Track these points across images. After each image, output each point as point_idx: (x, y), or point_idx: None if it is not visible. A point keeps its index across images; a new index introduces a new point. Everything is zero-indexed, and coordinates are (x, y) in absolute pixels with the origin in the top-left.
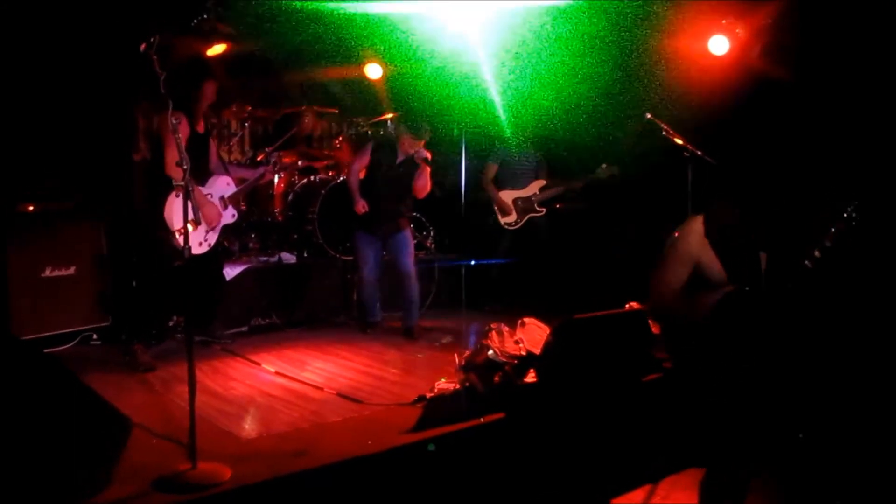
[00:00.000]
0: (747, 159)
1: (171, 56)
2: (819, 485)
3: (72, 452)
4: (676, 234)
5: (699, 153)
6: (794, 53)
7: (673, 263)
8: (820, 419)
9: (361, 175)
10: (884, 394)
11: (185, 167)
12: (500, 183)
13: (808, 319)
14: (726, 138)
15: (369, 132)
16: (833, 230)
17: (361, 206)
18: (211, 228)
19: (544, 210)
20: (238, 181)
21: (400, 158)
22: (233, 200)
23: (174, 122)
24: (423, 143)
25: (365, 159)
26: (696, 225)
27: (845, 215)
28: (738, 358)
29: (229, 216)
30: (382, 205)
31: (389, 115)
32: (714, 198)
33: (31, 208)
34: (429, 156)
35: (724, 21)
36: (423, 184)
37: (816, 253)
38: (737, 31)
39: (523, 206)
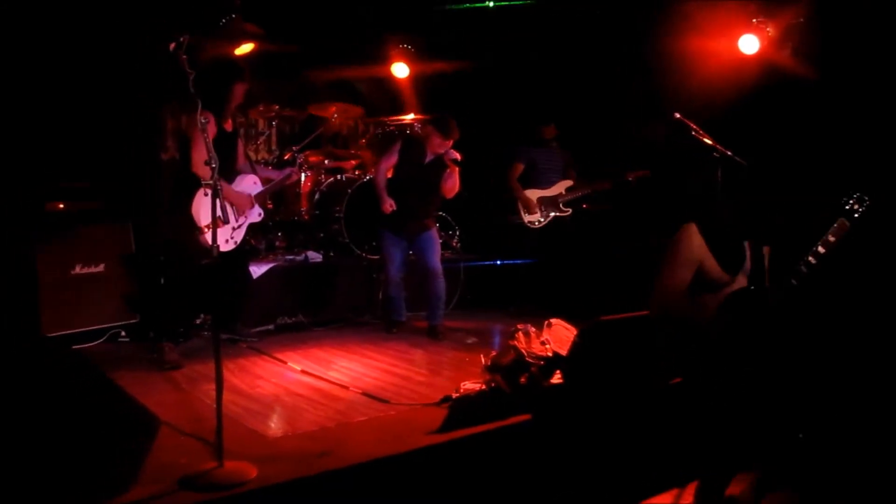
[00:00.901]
0: (757, 157)
1: (200, 55)
2: (821, 485)
3: (99, 449)
4: (677, 237)
5: (729, 154)
6: (818, 52)
7: (676, 266)
8: (823, 419)
9: (389, 174)
10: (887, 393)
11: (213, 166)
12: (527, 182)
13: (812, 317)
14: (739, 136)
15: (396, 132)
16: (836, 225)
17: (388, 206)
18: (238, 226)
19: (570, 210)
20: (264, 181)
21: (428, 158)
22: (259, 199)
23: (203, 121)
24: (451, 142)
25: (392, 159)
26: (696, 227)
27: (847, 208)
28: (742, 359)
29: (255, 215)
30: (409, 204)
31: (412, 116)
32: (716, 197)
33: (60, 207)
34: (458, 157)
35: (754, 20)
36: (453, 184)
37: (820, 248)
38: (767, 30)
39: (548, 205)
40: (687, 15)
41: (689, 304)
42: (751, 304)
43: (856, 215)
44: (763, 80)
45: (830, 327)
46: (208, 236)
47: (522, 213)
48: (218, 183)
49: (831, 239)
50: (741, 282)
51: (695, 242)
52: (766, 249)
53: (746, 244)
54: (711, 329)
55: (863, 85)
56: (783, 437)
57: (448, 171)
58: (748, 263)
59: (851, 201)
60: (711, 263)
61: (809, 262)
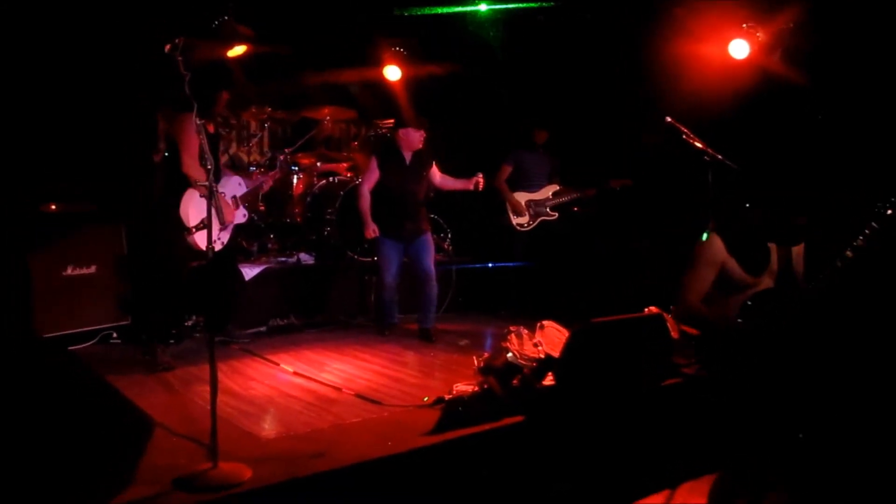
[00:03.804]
0: (770, 161)
1: (194, 57)
2: (826, 486)
3: (94, 451)
4: (700, 241)
5: (720, 157)
6: (814, 57)
7: (699, 267)
8: (842, 420)
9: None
10: None
11: (209, 168)
12: (515, 184)
13: (840, 319)
14: (747, 141)
15: (388, 135)
16: (866, 231)
17: (372, 231)
18: (223, 227)
19: (557, 214)
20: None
21: (409, 159)
22: (244, 200)
23: (199, 122)
24: (424, 130)
25: (374, 177)
26: (716, 232)
27: (878, 214)
28: (766, 357)
29: (240, 216)
30: (403, 207)
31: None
32: (734, 201)
33: (53, 208)
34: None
35: (744, 25)
36: (454, 187)
37: (848, 253)
38: (757, 35)
39: (536, 208)
40: (679, 20)
41: (714, 303)
42: (774, 305)
43: (884, 217)
44: (756, 85)
45: (859, 328)
46: (196, 237)
47: (511, 216)
48: (213, 185)
49: (860, 243)
50: (767, 283)
51: (715, 245)
52: (799, 248)
53: (772, 246)
54: (735, 328)
55: (857, 88)
56: (805, 435)
57: (462, 182)
58: (774, 265)
59: (886, 207)
60: (733, 265)
61: (837, 266)
